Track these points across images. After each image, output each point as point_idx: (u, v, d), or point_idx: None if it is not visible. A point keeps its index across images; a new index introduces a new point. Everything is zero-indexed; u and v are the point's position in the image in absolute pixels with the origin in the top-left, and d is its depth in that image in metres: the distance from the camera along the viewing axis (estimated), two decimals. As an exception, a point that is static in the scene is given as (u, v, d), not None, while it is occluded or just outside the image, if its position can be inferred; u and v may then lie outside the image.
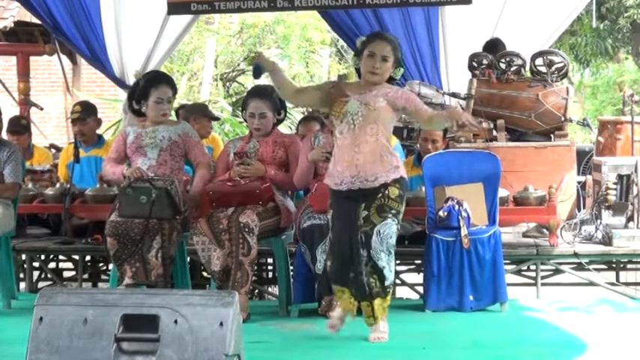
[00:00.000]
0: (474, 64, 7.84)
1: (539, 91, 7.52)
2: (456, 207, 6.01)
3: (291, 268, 6.28)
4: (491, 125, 7.60)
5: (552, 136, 7.59)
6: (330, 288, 5.78)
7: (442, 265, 6.04)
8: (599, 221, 6.79)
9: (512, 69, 7.70)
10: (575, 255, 6.67)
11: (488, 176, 6.22)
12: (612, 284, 6.85)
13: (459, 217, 5.98)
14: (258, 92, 6.34)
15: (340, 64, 18.54)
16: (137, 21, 9.26)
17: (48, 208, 7.28)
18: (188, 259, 6.45)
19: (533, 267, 6.82)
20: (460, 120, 5.03)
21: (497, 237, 6.07)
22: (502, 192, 6.42)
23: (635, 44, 18.96)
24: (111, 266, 6.43)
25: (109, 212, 6.02)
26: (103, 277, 7.84)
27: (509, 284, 6.25)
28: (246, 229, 5.75)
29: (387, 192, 5.21)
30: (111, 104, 13.95)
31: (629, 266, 7.18)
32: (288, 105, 6.65)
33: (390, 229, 5.22)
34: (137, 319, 3.51)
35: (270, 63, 5.43)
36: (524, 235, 7.14)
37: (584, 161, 8.15)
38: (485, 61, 7.78)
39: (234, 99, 15.07)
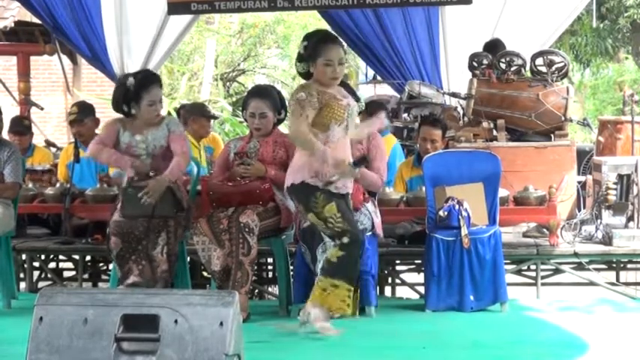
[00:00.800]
0: (474, 64, 7.84)
1: (540, 90, 7.52)
2: (457, 207, 6.01)
3: (291, 268, 6.28)
4: (492, 125, 7.60)
5: (552, 136, 7.59)
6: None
7: (442, 265, 6.03)
8: (599, 221, 6.78)
9: (513, 69, 7.70)
10: (576, 255, 6.67)
11: (488, 176, 6.22)
12: (612, 284, 6.85)
13: (459, 217, 5.98)
14: (258, 92, 6.34)
15: (340, 63, 18.51)
16: (137, 21, 9.27)
17: (48, 208, 7.27)
18: (188, 259, 6.44)
19: (533, 267, 6.81)
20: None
21: (498, 237, 6.07)
22: (502, 192, 6.42)
23: (635, 44, 18.97)
24: (111, 266, 6.42)
25: (111, 212, 6.01)
26: (103, 277, 7.84)
27: (509, 284, 6.25)
28: (247, 229, 5.75)
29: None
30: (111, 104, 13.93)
31: (629, 266, 7.17)
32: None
33: None
34: (137, 319, 3.51)
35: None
36: (525, 235, 7.14)
37: (585, 161, 8.15)
38: (485, 61, 7.78)
39: (234, 99, 15.09)
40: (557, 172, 7.17)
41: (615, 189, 6.70)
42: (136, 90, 6.00)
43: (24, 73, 10.42)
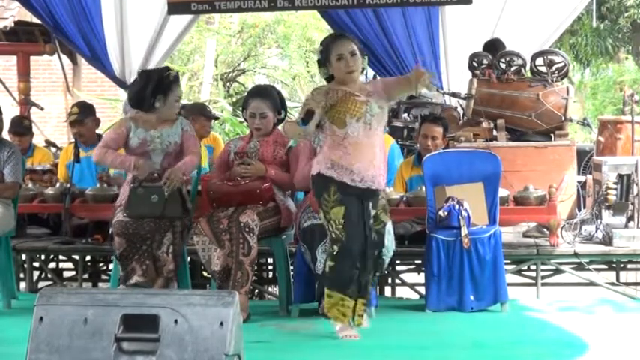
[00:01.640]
0: (474, 63, 7.84)
1: (540, 90, 7.52)
2: (457, 207, 6.01)
3: (291, 267, 6.28)
4: (492, 125, 7.60)
5: (552, 135, 7.59)
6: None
7: (442, 265, 6.04)
8: (599, 221, 6.78)
9: (513, 69, 7.70)
10: (576, 255, 6.67)
11: (488, 176, 6.22)
12: (612, 284, 6.85)
13: (460, 217, 5.98)
14: (258, 92, 6.34)
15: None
16: (137, 21, 9.27)
17: (48, 208, 7.28)
18: (188, 259, 6.45)
19: (533, 267, 6.81)
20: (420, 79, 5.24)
21: (498, 237, 6.07)
22: (502, 192, 6.42)
23: (635, 44, 18.97)
24: (111, 266, 6.42)
25: (113, 211, 6.01)
26: (103, 277, 7.84)
27: (509, 284, 6.25)
28: (247, 229, 5.75)
29: (382, 194, 5.45)
30: (111, 104, 13.96)
31: (629, 266, 7.18)
32: (289, 105, 6.65)
33: (391, 227, 5.53)
34: (137, 319, 3.51)
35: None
36: (525, 234, 7.14)
37: (585, 161, 8.14)
38: (485, 61, 7.78)
39: (234, 99, 15.08)
40: (557, 172, 7.17)
41: (615, 189, 6.70)
42: (170, 82, 6.00)
43: (24, 73, 10.41)
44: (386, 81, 5.62)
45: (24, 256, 7.29)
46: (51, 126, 15.09)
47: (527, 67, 7.80)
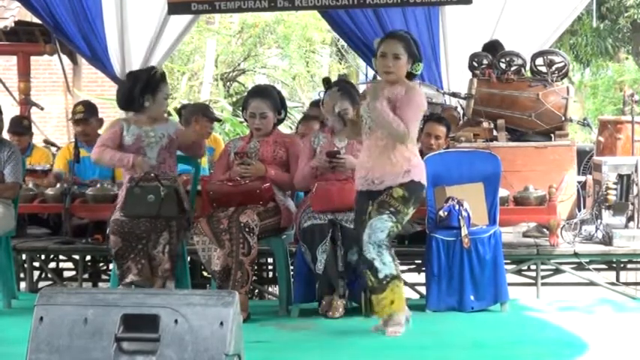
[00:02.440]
0: (474, 63, 7.84)
1: (540, 90, 7.52)
2: (457, 207, 6.01)
3: (292, 267, 6.28)
4: (492, 125, 7.60)
5: (553, 135, 7.58)
6: (330, 288, 5.80)
7: (442, 265, 6.04)
8: (599, 221, 6.78)
9: (513, 69, 7.70)
10: (576, 255, 6.67)
11: (488, 176, 6.22)
12: (612, 284, 6.84)
13: (460, 217, 5.98)
14: (258, 92, 6.35)
15: (340, 63, 18.55)
16: (138, 21, 9.27)
17: (48, 208, 7.28)
18: (188, 258, 6.45)
19: (533, 267, 6.81)
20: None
21: (498, 237, 6.07)
22: (502, 192, 6.42)
23: (636, 44, 18.97)
24: (111, 266, 6.42)
25: (112, 211, 6.02)
26: (104, 276, 7.84)
27: (509, 284, 6.25)
28: (247, 229, 5.75)
29: (390, 192, 5.32)
30: (112, 104, 13.88)
31: (629, 266, 7.17)
32: (289, 105, 6.65)
33: (382, 223, 5.29)
34: (137, 319, 3.51)
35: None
36: (525, 234, 7.14)
37: (585, 161, 8.14)
38: (485, 61, 7.78)
39: (234, 99, 15.08)
40: (557, 172, 7.17)
41: (615, 189, 6.70)
42: (158, 81, 6.06)
43: (24, 73, 10.41)
44: (402, 107, 5.30)
45: (24, 256, 7.29)
46: (51, 126, 15.08)
47: (527, 67, 7.80)
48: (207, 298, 3.56)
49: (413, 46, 5.38)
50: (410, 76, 5.42)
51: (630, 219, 6.69)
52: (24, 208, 7.01)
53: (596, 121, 9.12)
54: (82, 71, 12.80)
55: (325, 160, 5.94)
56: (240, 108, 6.94)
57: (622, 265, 7.06)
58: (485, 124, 7.56)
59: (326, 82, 6.12)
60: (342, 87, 5.84)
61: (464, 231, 5.96)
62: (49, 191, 7.15)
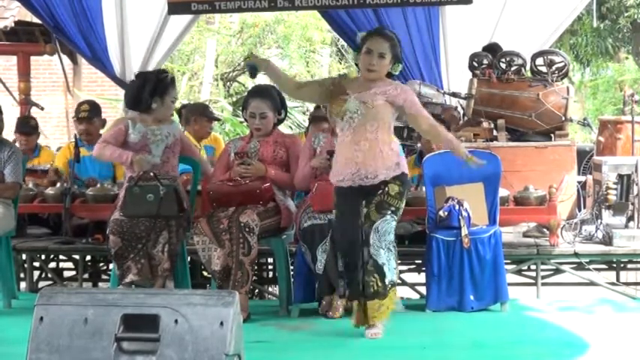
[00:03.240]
0: (475, 63, 7.84)
1: (540, 90, 7.51)
2: (457, 207, 6.01)
3: (292, 267, 6.28)
4: (492, 125, 7.60)
5: (553, 135, 7.58)
6: (330, 288, 5.80)
7: (442, 265, 6.04)
8: (599, 221, 6.78)
9: (513, 69, 7.70)
10: (576, 255, 6.67)
11: (488, 176, 6.22)
12: (613, 284, 6.85)
13: (460, 217, 5.98)
14: (258, 92, 6.34)
15: (340, 63, 18.55)
16: (138, 21, 9.27)
17: (48, 208, 7.28)
18: (188, 258, 6.45)
19: (533, 267, 6.81)
20: (460, 156, 5.33)
21: (498, 237, 6.07)
22: (502, 192, 6.42)
23: (636, 44, 18.96)
24: (111, 266, 6.42)
25: (112, 211, 6.02)
26: (104, 276, 7.84)
27: (509, 284, 6.25)
28: (247, 229, 5.75)
29: (386, 189, 5.27)
30: (112, 104, 13.95)
31: (629, 266, 7.18)
32: (289, 105, 6.66)
33: (388, 225, 5.28)
34: (137, 319, 3.51)
35: (263, 61, 5.48)
36: (525, 234, 7.14)
37: (585, 161, 8.14)
38: (485, 61, 7.78)
39: (234, 99, 15.08)
40: (558, 172, 7.17)
41: (615, 189, 6.70)
42: (168, 84, 6.08)
43: (24, 73, 10.41)
44: (412, 103, 5.34)
45: (24, 256, 7.29)
46: (51, 126, 15.09)
47: (528, 67, 7.80)
48: (207, 298, 3.56)
49: (397, 46, 5.41)
50: (388, 75, 5.44)
51: (630, 219, 6.69)
52: (24, 208, 7.01)
53: (596, 121, 9.12)
54: (82, 71, 12.81)
55: (325, 159, 5.93)
56: (240, 108, 6.94)
57: (622, 265, 7.07)
58: (485, 124, 7.56)
59: None
60: None
61: (464, 231, 5.96)
62: (49, 191, 7.15)
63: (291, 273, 6.26)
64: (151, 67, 9.27)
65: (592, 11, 17.06)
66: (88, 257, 7.60)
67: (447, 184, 6.21)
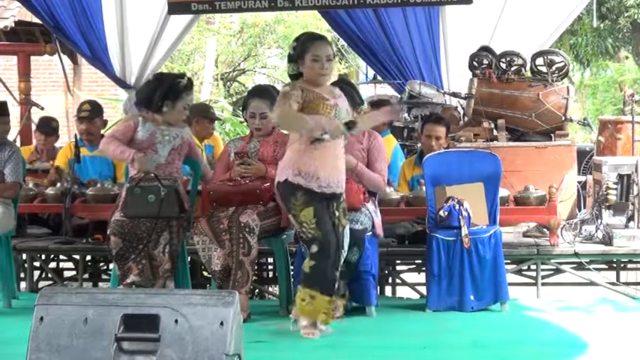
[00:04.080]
0: (475, 63, 7.84)
1: (540, 90, 7.52)
2: (457, 207, 6.01)
3: (292, 267, 6.28)
4: (492, 125, 7.60)
5: (553, 135, 7.59)
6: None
7: (443, 265, 6.04)
8: (599, 221, 6.78)
9: (513, 69, 7.70)
10: (576, 255, 6.67)
11: (488, 176, 6.22)
12: (613, 284, 6.84)
13: (460, 217, 5.98)
14: (258, 92, 6.34)
15: (340, 63, 18.55)
16: (138, 21, 9.27)
17: (48, 207, 7.28)
18: (188, 258, 6.45)
19: (533, 267, 6.81)
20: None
21: (498, 237, 6.07)
22: (502, 192, 6.42)
23: (636, 44, 18.98)
24: (111, 266, 6.42)
25: (113, 211, 6.02)
26: (104, 276, 7.83)
27: (509, 284, 6.25)
28: (247, 229, 5.75)
29: (343, 197, 5.50)
30: (112, 104, 13.95)
31: (629, 266, 7.17)
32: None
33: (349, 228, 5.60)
34: (137, 319, 3.51)
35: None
36: (525, 234, 7.14)
37: (585, 161, 8.15)
38: (485, 61, 7.78)
39: (234, 99, 15.10)
40: (558, 172, 7.18)
41: (615, 189, 6.70)
42: (182, 89, 6.04)
43: (24, 73, 10.41)
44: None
45: (24, 256, 7.29)
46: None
47: (528, 67, 7.80)
48: (207, 298, 3.56)
49: (332, 45, 5.57)
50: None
51: (630, 219, 6.69)
52: (24, 208, 7.01)
53: (596, 121, 9.12)
54: (82, 71, 12.82)
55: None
56: (240, 108, 6.94)
57: (622, 265, 7.06)
58: (485, 124, 7.56)
59: None
60: (342, 87, 5.83)
61: (464, 231, 5.96)
62: (49, 191, 7.15)
63: (291, 273, 6.26)
64: (150, 67, 9.28)
65: (592, 11, 17.06)
66: (88, 257, 7.59)
67: (447, 184, 6.21)
